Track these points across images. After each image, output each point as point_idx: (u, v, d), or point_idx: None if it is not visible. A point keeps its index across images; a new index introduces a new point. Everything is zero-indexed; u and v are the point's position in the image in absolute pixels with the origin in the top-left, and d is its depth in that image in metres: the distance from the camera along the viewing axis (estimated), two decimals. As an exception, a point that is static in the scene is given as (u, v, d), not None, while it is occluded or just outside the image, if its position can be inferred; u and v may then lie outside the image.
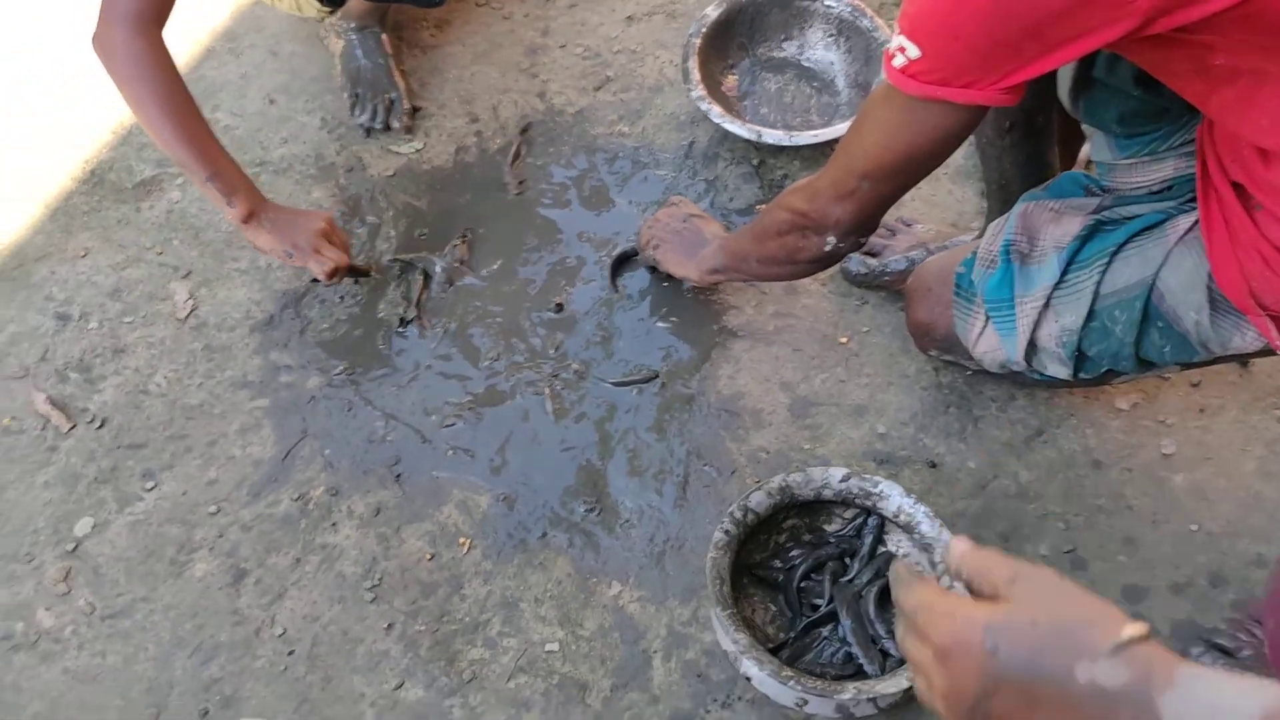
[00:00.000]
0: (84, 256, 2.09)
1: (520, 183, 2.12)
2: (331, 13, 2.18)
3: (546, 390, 1.88)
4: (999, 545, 1.68)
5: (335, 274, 1.82)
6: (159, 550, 1.76)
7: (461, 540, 1.75)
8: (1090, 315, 1.42)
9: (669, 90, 2.25)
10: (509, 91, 2.27)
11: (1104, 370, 1.48)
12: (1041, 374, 1.54)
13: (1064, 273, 1.43)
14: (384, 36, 2.25)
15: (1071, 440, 1.79)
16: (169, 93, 1.68)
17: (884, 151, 1.27)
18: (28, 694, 1.65)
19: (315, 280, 1.90)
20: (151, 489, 1.82)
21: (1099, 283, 1.40)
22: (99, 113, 2.27)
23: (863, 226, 1.41)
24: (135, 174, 2.20)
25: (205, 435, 1.87)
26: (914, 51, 1.13)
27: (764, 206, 2.05)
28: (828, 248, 1.44)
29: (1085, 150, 1.80)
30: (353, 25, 2.23)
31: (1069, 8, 1.03)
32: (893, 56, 1.16)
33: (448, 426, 1.86)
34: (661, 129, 2.20)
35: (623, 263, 2.02)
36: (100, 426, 1.89)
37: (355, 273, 1.98)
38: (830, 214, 1.39)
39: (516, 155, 2.14)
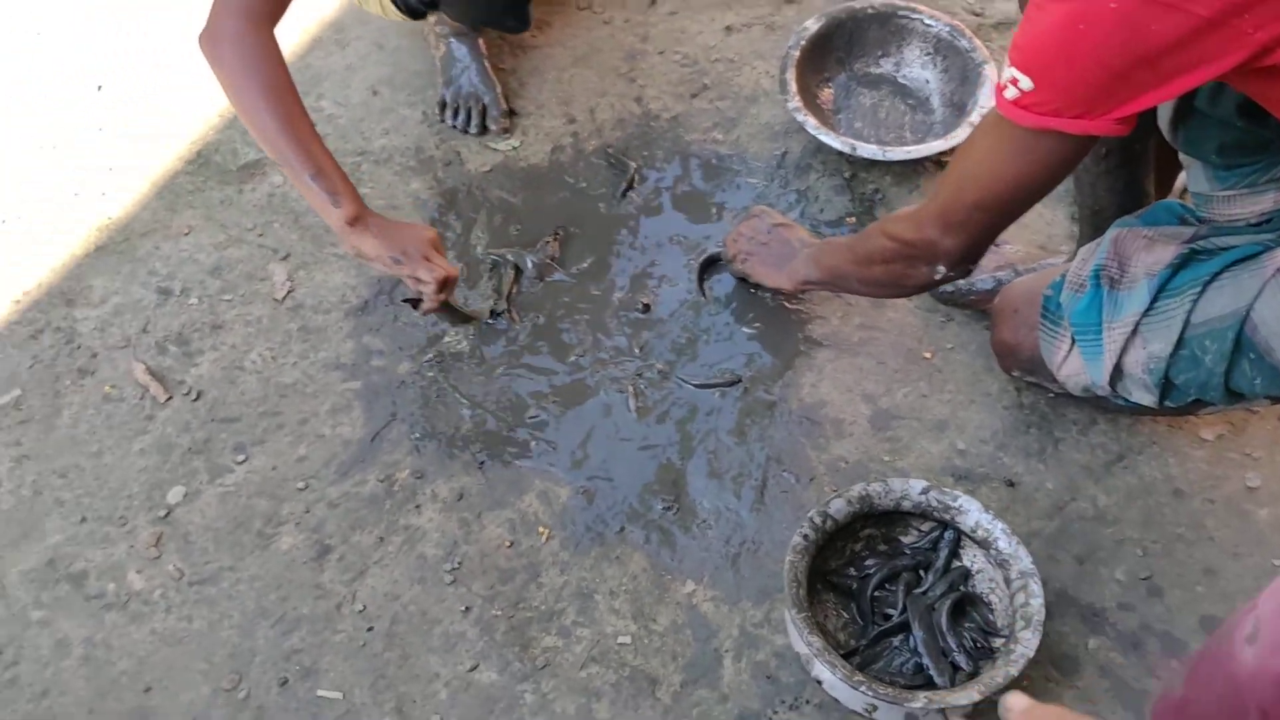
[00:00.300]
0: (187, 234, 2.15)
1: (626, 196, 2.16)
2: (414, 19, 2.19)
3: (630, 388, 1.91)
4: (1075, 567, 1.69)
5: (445, 286, 1.74)
6: (247, 522, 1.82)
7: (541, 529, 1.78)
8: (1179, 344, 1.41)
9: (764, 100, 2.27)
10: (606, 95, 2.31)
11: (1191, 400, 1.47)
12: (1126, 400, 1.53)
13: (1154, 300, 1.42)
14: (480, 41, 2.29)
15: (1153, 468, 1.78)
16: (277, 87, 1.62)
17: (995, 181, 1.29)
18: (117, 651, 1.70)
19: (414, 304, 1.81)
20: (242, 462, 1.88)
21: (1190, 311, 1.39)
22: (203, 99, 2.34)
23: (971, 254, 1.43)
24: (240, 157, 2.26)
25: (297, 413, 1.92)
26: (1026, 83, 1.14)
27: (853, 220, 2.07)
28: (938, 276, 1.46)
29: (1181, 179, 1.79)
30: (449, 31, 2.28)
31: (1183, 38, 1.04)
32: (1004, 88, 1.17)
33: (532, 418, 1.89)
34: (755, 138, 2.22)
35: (709, 266, 2.04)
36: (196, 399, 1.95)
37: (460, 318, 1.93)
38: (940, 244, 1.40)
39: (629, 186, 2.17)
